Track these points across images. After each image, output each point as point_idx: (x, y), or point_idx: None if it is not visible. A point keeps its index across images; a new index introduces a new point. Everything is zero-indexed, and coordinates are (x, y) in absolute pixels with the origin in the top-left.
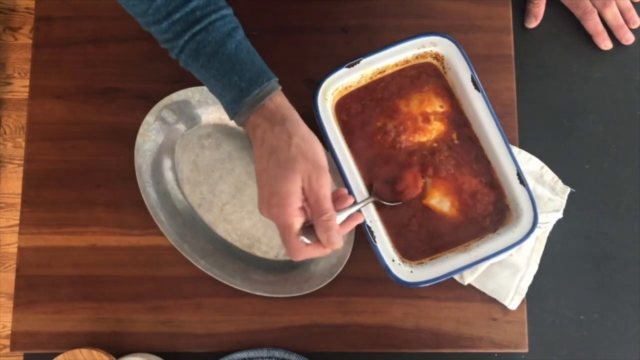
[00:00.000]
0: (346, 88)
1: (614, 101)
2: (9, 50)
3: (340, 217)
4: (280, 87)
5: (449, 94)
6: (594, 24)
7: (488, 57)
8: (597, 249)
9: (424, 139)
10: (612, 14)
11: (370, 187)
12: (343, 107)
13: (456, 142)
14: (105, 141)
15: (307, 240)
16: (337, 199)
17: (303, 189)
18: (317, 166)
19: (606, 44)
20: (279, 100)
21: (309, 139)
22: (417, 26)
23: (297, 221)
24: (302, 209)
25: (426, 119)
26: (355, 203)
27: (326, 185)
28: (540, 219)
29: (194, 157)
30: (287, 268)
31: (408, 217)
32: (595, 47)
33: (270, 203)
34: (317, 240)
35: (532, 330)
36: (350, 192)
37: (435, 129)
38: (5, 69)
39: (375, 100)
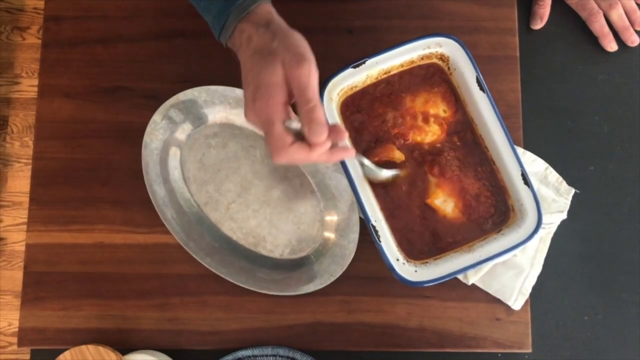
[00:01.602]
0: (351, 88)
1: (618, 102)
2: (17, 50)
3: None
4: None
5: (455, 99)
6: (599, 26)
7: (493, 58)
8: (601, 250)
9: (417, 138)
10: (617, 15)
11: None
12: (349, 107)
13: (458, 144)
14: (112, 140)
15: (292, 126)
16: (332, 131)
17: (286, 81)
18: (298, 56)
19: (612, 46)
20: (266, 8)
21: (292, 34)
22: (422, 27)
23: (281, 115)
24: (286, 104)
25: (426, 119)
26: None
27: (309, 75)
28: (545, 219)
29: (201, 156)
30: (292, 267)
31: (412, 218)
32: (601, 48)
33: (254, 97)
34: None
35: (535, 330)
36: (355, 190)
37: (432, 132)
38: (13, 68)
39: (380, 96)
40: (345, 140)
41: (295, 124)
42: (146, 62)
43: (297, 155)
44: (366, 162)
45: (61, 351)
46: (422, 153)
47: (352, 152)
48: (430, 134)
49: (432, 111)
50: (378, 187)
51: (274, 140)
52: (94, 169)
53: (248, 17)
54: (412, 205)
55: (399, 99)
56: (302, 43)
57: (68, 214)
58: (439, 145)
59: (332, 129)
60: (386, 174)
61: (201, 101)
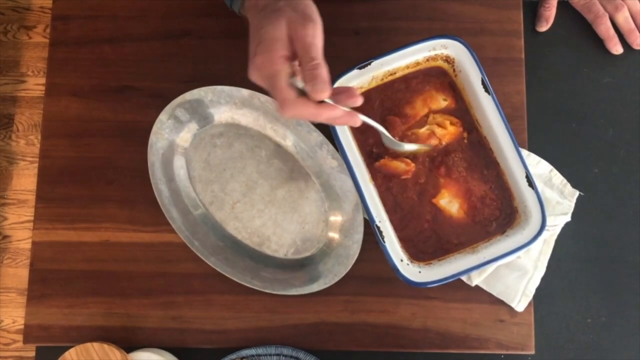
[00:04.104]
0: (357, 90)
1: (623, 105)
2: (23, 49)
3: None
4: None
5: (450, 88)
6: (605, 28)
7: (498, 60)
8: (605, 253)
9: (435, 142)
10: (623, 18)
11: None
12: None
13: (466, 142)
14: (119, 139)
15: (297, 84)
16: (343, 92)
17: (290, 38)
18: (304, 16)
19: (617, 49)
20: None
21: None
22: (428, 29)
23: (284, 69)
24: (289, 59)
25: (441, 124)
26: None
27: (314, 35)
28: (549, 221)
29: (206, 155)
30: (296, 266)
31: (417, 218)
32: (606, 51)
33: (256, 52)
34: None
35: (539, 332)
36: (360, 191)
37: (450, 133)
38: (19, 67)
39: (387, 97)
40: (358, 103)
41: (300, 82)
42: (153, 62)
43: (304, 110)
44: (386, 133)
45: (66, 348)
46: (431, 156)
47: (358, 119)
48: (449, 135)
49: (434, 107)
50: (385, 181)
51: (279, 93)
52: (100, 168)
53: None
54: (418, 206)
55: (402, 102)
56: (309, 4)
57: (74, 212)
58: (449, 144)
59: (344, 91)
60: (408, 147)
61: (207, 101)
